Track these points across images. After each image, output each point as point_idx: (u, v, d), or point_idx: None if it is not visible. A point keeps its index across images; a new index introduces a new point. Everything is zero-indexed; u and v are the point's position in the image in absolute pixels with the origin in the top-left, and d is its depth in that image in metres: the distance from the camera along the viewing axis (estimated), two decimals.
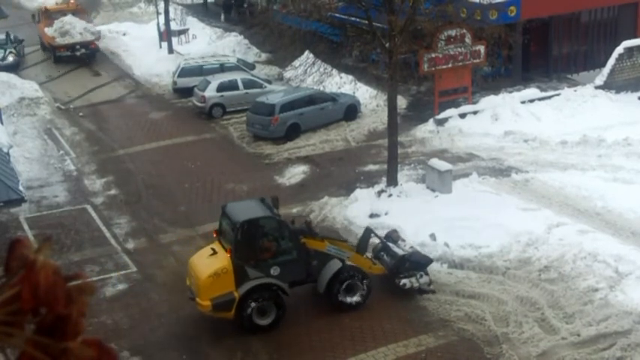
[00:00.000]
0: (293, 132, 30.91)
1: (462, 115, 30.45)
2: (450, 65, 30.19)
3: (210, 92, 34.23)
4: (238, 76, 35.28)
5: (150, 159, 30.43)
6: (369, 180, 26.22)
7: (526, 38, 34.45)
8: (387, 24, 23.43)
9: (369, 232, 19.95)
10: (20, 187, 22.43)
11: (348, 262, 18.97)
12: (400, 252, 19.72)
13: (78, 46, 44.25)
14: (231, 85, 34.60)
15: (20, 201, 22.26)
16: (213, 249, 18.59)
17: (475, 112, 30.62)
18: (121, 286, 21.20)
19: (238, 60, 38.84)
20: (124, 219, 25.27)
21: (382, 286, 19.53)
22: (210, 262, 18.23)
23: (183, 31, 46.50)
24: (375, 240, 20.33)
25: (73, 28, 44.42)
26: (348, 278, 18.73)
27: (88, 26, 45.34)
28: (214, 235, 19.16)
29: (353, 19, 26.72)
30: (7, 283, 1.60)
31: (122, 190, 27.57)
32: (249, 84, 34.79)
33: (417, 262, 19.45)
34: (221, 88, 34.40)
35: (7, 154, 25.29)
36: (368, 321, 18.63)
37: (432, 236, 21.17)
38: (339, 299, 18.76)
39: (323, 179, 27.13)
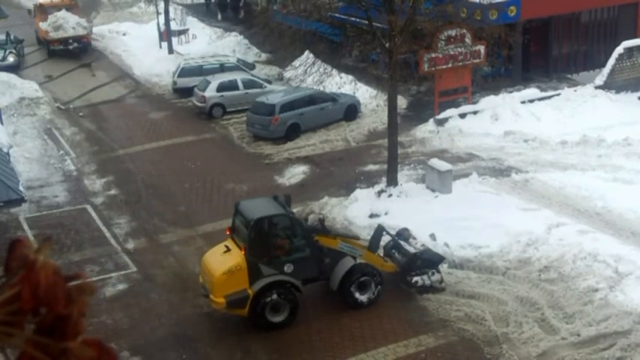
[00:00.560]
0: (293, 132, 30.91)
1: (462, 115, 30.45)
2: (450, 65, 30.19)
3: (210, 92, 34.23)
4: (238, 76, 35.28)
5: (150, 159, 30.43)
6: (369, 180, 26.22)
7: (526, 38, 34.45)
8: (387, 24, 23.43)
9: (381, 229, 20.10)
10: (20, 187, 22.42)
11: (360, 260, 19.10)
12: (412, 250, 19.85)
13: (70, 40, 45.60)
14: (231, 85, 34.60)
15: (20, 201, 22.26)
16: (226, 246, 18.66)
17: (475, 112, 30.62)
18: (121, 286, 21.20)
19: (238, 60, 38.84)
20: (124, 219, 25.27)
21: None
22: (224, 260, 18.33)
23: (183, 31, 46.52)
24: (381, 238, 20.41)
25: (66, 23, 45.61)
26: (360, 276, 18.86)
27: (81, 21, 46.52)
28: (227, 233, 19.23)
29: (353, 19, 26.72)
30: (7, 283, 1.60)
31: (122, 190, 27.57)
32: (249, 84, 34.79)
33: (429, 260, 19.62)
34: (221, 88, 34.40)
35: (7, 154, 25.28)
36: (368, 321, 18.64)
37: (432, 236, 21.18)
38: (352, 297, 18.89)
39: (323, 179, 27.13)
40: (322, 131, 31.38)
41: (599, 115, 29.80)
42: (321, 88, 31.12)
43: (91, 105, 37.84)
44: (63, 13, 46.49)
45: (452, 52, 29.87)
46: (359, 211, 23.42)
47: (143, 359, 18.07)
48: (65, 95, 39.24)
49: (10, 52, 43.80)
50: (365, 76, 34.08)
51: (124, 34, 49.33)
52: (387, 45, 23.39)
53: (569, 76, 35.50)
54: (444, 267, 20.38)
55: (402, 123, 28.63)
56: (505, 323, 17.98)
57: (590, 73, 34.66)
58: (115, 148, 31.84)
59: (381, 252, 20.23)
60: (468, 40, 29.83)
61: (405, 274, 19.59)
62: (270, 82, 35.94)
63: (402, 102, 31.06)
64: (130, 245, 23.49)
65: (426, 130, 30.31)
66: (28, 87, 37.83)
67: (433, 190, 24.14)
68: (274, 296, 18.17)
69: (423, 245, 20.17)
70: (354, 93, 32.75)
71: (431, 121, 30.60)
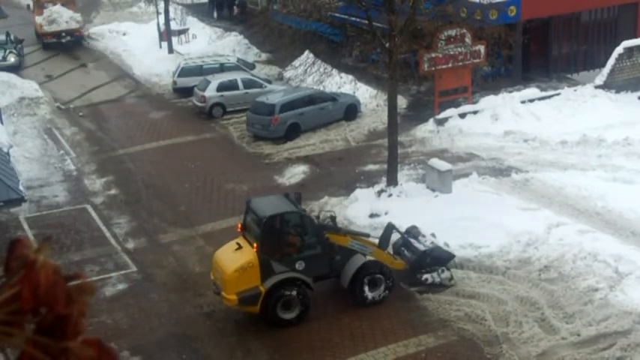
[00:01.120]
0: (293, 132, 30.90)
1: (462, 115, 30.44)
2: (450, 65, 30.18)
3: (210, 92, 34.23)
4: (238, 76, 35.28)
5: (150, 159, 30.43)
6: (369, 180, 26.22)
7: (526, 38, 34.45)
8: (387, 24, 23.43)
9: (390, 227, 20.17)
10: (20, 187, 22.43)
11: (370, 257, 19.16)
12: (421, 247, 19.91)
13: (63, 34, 46.98)
14: (231, 85, 34.60)
15: (20, 201, 22.27)
16: (238, 243, 18.71)
17: (475, 112, 30.61)
18: (121, 286, 21.20)
19: (238, 60, 38.83)
20: (124, 219, 25.27)
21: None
22: (236, 257, 18.37)
23: (183, 31, 46.51)
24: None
25: (60, 17, 46.98)
26: (371, 273, 18.90)
27: (75, 15, 47.91)
28: (239, 230, 19.26)
29: (353, 19, 26.74)
30: (7, 282, 1.60)
31: (122, 190, 27.57)
32: (249, 84, 34.78)
33: (439, 258, 19.73)
34: (221, 87, 34.40)
35: (7, 153, 25.29)
36: (368, 321, 18.64)
37: (432, 236, 21.17)
38: (363, 294, 18.93)
39: (323, 179, 27.13)
40: (322, 131, 31.38)
41: (599, 115, 29.79)
42: (321, 88, 31.13)
43: (91, 105, 37.84)
44: (57, 7, 47.78)
45: (452, 52, 29.87)
46: (359, 211, 23.43)
47: (143, 359, 18.06)
48: (65, 95, 39.24)
49: (11, 52, 43.82)
50: (365, 76, 34.08)
51: (124, 34, 49.34)
52: (387, 45, 23.39)
53: (569, 75, 35.49)
54: None
55: (402, 123, 28.62)
56: (505, 323, 17.98)
57: (590, 73, 34.65)
58: (115, 148, 31.83)
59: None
60: (468, 40, 29.83)
61: (414, 272, 19.69)
62: (270, 82, 35.93)
63: (402, 102, 31.05)
64: (130, 245, 23.49)
65: (426, 129, 30.30)
66: (28, 87, 37.83)
67: (433, 190, 24.15)
68: (289, 292, 18.21)
69: (432, 243, 20.25)
70: (354, 93, 32.73)
71: (431, 120, 30.59)
